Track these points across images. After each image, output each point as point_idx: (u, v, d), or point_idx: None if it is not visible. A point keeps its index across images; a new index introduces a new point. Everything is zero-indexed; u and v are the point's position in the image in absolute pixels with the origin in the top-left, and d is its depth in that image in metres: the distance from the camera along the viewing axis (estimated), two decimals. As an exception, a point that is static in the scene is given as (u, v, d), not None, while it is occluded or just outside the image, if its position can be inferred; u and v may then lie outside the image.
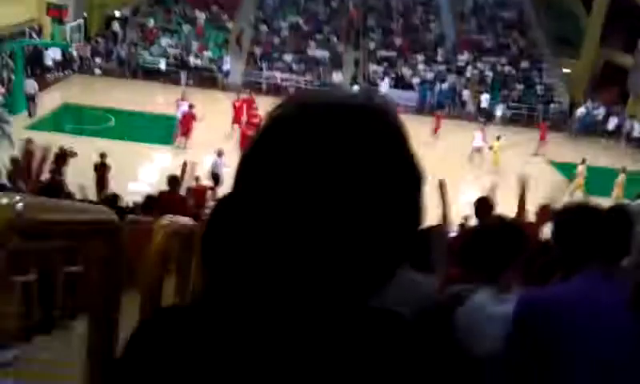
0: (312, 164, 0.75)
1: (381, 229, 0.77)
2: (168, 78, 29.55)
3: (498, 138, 22.40)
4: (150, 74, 29.58)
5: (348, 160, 0.75)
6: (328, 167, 0.75)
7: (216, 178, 13.75)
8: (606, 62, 35.43)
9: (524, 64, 34.08)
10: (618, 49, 34.02)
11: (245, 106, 22.63)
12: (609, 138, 29.97)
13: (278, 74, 30.91)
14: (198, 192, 11.94)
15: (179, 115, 21.00)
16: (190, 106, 21.06)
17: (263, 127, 0.82)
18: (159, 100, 26.17)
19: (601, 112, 31.37)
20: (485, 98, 30.27)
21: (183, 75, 29.80)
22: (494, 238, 2.82)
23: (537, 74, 33.90)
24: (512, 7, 37.67)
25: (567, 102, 32.24)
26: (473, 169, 22.04)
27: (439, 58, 33.51)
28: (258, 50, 31.96)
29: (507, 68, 33.64)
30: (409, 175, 0.81)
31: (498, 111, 30.00)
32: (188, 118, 20.68)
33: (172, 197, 8.56)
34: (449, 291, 2.91)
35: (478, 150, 22.83)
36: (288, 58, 31.96)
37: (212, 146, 17.91)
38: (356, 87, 30.54)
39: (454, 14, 36.71)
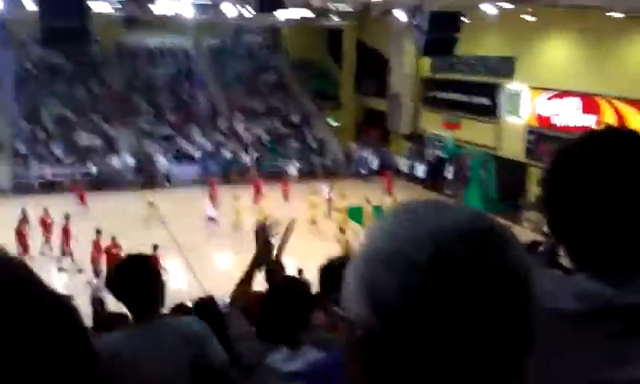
0: None
1: None
2: None
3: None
4: None
5: None
6: None
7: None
8: (365, 109, 39.12)
9: (295, 122, 36.14)
10: (372, 95, 37.77)
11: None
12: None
13: (48, 170, 28.85)
14: None
15: None
16: None
17: None
18: None
19: (368, 154, 34.34)
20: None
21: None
22: (282, 299, 2.95)
23: (308, 130, 36.14)
24: (272, 72, 39.88)
25: (340, 151, 34.79)
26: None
27: (215, 127, 34.14)
28: (22, 148, 29.62)
29: (280, 128, 35.39)
30: None
31: (293, 169, 31.24)
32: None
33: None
34: (244, 358, 3.00)
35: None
36: (58, 150, 30.09)
37: None
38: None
39: (220, 85, 37.76)
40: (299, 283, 3.25)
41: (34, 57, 34.82)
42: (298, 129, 35.92)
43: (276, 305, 2.95)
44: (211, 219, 23.18)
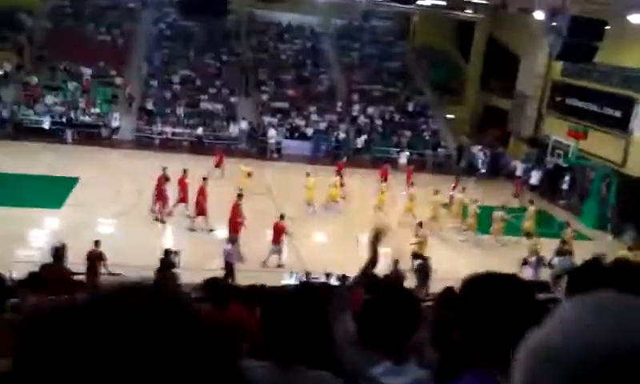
0: None
1: None
2: (53, 137, 28.24)
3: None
4: (34, 134, 28.13)
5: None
6: None
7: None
8: (487, 106, 37.78)
9: (411, 111, 35.58)
10: (497, 93, 36.40)
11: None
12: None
13: (169, 129, 30.33)
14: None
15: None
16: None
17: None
18: (45, 160, 24.94)
19: (485, 154, 33.15)
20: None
21: (69, 133, 28.60)
22: (390, 311, 2.79)
23: (423, 120, 35.46)
24: (396, 58, 39.44)
25: (453, 146, 33.88)
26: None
27: (331, 108, 34.36)
28: (149, 105, 31.34)
29: (396, 116, 34.98)
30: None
31: (403, 158, 30.89)
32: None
33: (57, 271, 8.00)
34: (347, 366, 2.84)
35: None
36: (180, 111, 31.56)
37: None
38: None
39: (342, 66, 37.91)
40: (410, 293, 3.11)
41: (168, 19, 36.64)
42: (413, 118, 35.32)
43: (386, 311, 2.82)
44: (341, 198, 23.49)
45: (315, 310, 2.61)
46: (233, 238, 16.40)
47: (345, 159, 28.31)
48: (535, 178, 29.95)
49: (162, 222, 19.80)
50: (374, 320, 2.85)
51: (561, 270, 17.20)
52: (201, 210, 19.31)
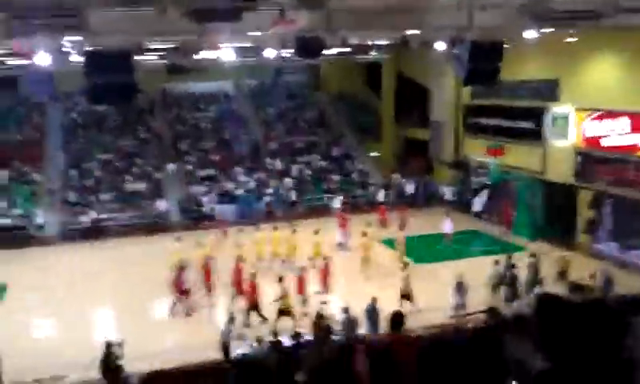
0: None
1: None
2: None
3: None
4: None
5: None
6: None
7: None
8: (406, 139, 38.92)
9: (335, 156, 36.18)
10: (413, 125, 37.59)
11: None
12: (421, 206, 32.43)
13: (95, 217, 29.41)
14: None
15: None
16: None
17: None
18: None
19: (411, 184, 34.08)
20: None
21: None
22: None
23: (349, 163, 36.12)
24: (312, 108, 40.24)
25: (381, 183, 34.58)
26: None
27: (257, 166, 34.43)
28: (71, 196, 30.39)
29: (322, 163, 35.46)
30: None
31: (337, 203, 31.20)
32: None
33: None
34: None
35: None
36: (105, 196, 30.78)
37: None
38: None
39: (261, 124, 38.25)
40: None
41: (79, 107, 36.01)
42: (339, 162, 35.91)
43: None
44: (340, 245, 24.71)
45: None
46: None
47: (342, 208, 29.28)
48: (478, 204, 30.82)
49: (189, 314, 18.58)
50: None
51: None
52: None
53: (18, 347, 15.55)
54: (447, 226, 25.59)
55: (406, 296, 17.30)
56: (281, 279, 17.16)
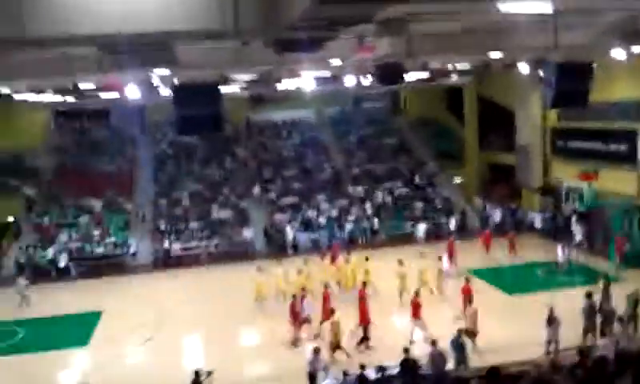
0: None
1: None
2: (69, 274, 28.28)
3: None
4: (50, 274, 28.19)
5: None
6: None
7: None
8: (491, 164, 37.96)
9: (418, 183, 35.70)
10: (498, 150, 36.64)
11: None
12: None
13: (184, 245, 30.37)
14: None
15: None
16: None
17: None
18: (64, 298, 24.86)
19: (497, 211, 32.93)
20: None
21: (72, 267, 28.59)
22: None
23: (432, 190, 35.54)
24: (393, 135, 40.03)
25: (467, 209, 33.75)
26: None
27: (339, 194, 34.51)
28: (161, 225, 31.52)
29: (404, 190, 35.08)
30: None
31: (420, 231, 30.84)
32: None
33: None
34: None
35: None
36: (193, 225, 31.72)
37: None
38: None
39: (342, 151, 38.43)
40: None
41: (168, 138, 37.55)
42: (421, 190, 35.41)
43: None
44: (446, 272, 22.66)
45: None
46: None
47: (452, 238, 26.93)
48: (579, 233, 27.90)
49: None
50: None
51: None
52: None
53: (107, 374, 16.22)
54: (560, 254, 24.43)
55: (471, 333, 16.04)
56: (332, 311, 16.47)
